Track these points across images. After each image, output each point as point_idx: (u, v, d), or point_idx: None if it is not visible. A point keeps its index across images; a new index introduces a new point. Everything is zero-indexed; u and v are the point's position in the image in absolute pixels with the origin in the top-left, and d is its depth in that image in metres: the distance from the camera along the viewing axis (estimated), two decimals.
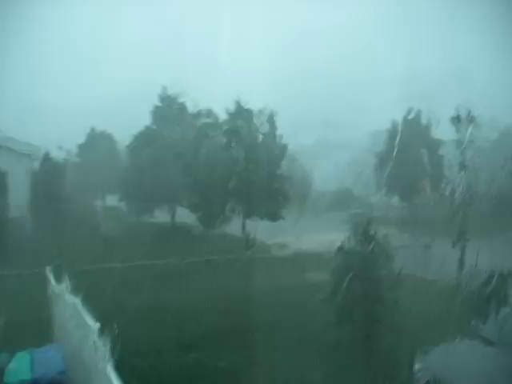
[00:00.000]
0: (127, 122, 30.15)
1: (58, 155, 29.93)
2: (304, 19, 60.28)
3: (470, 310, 8.37)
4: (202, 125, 23.25)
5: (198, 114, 23.86)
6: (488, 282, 8.45)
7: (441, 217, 22.75)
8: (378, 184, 30.61)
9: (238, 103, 21.09)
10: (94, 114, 36.07)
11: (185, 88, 28.24)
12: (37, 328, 9.19)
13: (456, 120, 25.29)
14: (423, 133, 29.25)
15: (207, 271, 16.14)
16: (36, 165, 28.08)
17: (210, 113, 22.52)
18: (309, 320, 10.47)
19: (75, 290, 7.43)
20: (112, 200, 31.49)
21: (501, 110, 32.09)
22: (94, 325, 5.71)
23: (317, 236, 21.11)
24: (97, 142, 32.21)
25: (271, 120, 20.78)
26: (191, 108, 27.10)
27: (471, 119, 25.29)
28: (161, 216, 27.51)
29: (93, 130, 32.90)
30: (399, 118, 29.71)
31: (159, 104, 27.78)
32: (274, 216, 20.27)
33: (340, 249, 9.33)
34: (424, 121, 29.33)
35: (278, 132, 21.00)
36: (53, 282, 8.40)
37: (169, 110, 27.31)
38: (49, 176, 25.29)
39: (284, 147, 21.46)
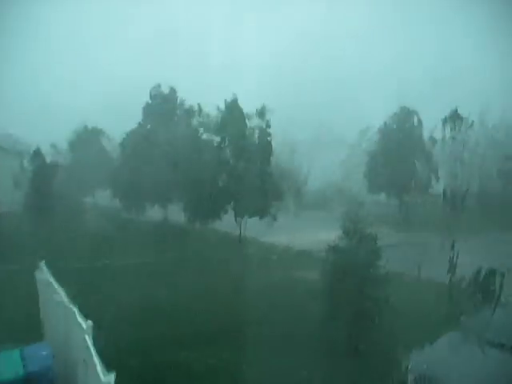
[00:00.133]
0: (120, 119, 30.07)
1: (49, 151, 29.79)
2: (298, 19, 60.50)
3: (458, 308, 8.46)
4: (193, 123, 23.17)
5: (190, 112, 23.76)
6: (476, 279, 8.56)
7: (431, 215, 23.03)
8: (369, 182, 30.78)
9: (229, 101, 21.03)
10: (87, 111, 35.95)
11: (176, 86, 28.34)
12: (26, 325, 9.13)
13: (449, 119, 25.65)
14: (415, 132, 29.40)
15: (198, 268, 16.16)
16: (26, 161, 27.96)
17: (201, 111, 22.40)
18: (299, 317, 10.53)
19: (65, 287, 7.40)
20: (104, 197, 31.32)
21: (495, 109, 32.52)
22: (84, 322, 5.70)
23: (307, 234, 21.21)
24: (89, 139, 31.99)
25: (263, 118, 20.74)
26: (183, 106, 27.11)
27: (463, 119, 25.66)
28: (153, 213, 27.44)
29: (85, 127, 32.70)
30: (392, 117, 29.93)
31: (150, 101, 27.72)
32: (263, 213, 20.29)
33: (331, 247, 9.36)
34: (416, 120, 29.47)
35: (271, 130, 20.93)
36: (42, 278, 8.34)
37: (160, 107, 27.23)
38: (39, 172, 25.12)
39: (271, 145, 21.29)
